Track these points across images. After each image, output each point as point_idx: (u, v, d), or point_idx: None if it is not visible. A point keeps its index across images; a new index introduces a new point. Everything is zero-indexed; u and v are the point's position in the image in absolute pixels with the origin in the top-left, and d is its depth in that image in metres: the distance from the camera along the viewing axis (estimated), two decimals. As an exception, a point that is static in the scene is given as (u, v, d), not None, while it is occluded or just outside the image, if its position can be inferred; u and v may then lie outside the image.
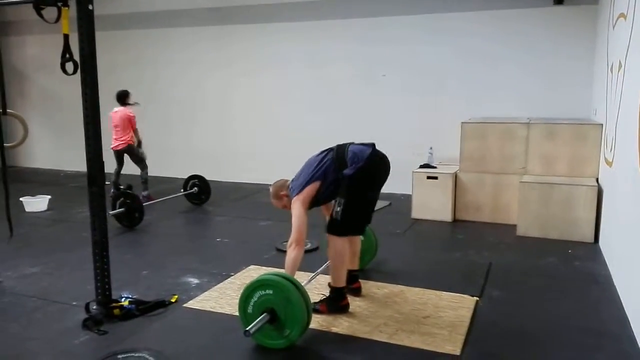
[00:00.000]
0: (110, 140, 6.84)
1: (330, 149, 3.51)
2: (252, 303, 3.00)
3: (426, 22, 7.26)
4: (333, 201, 3.42)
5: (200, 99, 8.89)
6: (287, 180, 3.66)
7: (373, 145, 3.46)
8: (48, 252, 4.89)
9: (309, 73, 8.06)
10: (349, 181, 3.31)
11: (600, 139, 5.44)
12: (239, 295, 3.07)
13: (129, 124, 6.89)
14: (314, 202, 3.44)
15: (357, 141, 3.55)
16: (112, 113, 6.87)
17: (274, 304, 2.95)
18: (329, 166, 3.40)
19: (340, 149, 3.45)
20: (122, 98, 6.98)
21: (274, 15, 8.12)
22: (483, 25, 6.98)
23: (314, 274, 3.79)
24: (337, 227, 3.35)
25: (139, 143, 7.06)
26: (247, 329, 2.84)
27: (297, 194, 3.38)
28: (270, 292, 2.96)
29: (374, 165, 3.39)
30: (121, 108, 6.93)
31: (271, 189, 3.68)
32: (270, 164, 8.11)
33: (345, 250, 3.40)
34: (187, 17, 8.69)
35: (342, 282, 3.44)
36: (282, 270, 3.20)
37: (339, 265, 3.40)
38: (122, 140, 6.89)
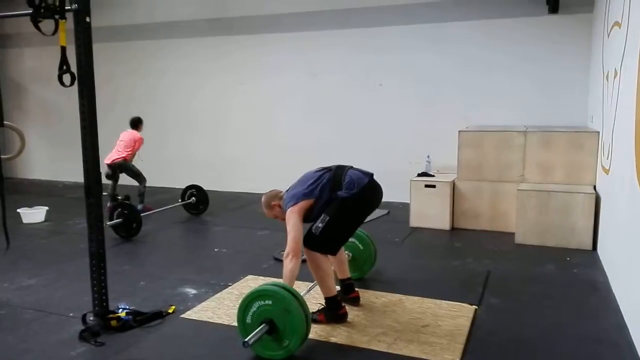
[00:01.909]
0: (108, 154, 6.85)
1: (329, 169, 3.51)
2: (250, 313, 2.99)
3: (423, 31, 7.31)
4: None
5: (198, 109, 8.91)
6: (279, 191, 3.67)
7: (371, 175, 3.49)
8: (45, 264, 4.87)
9: (307, 82, 8.09)
10: (341, 203, 3.33)
11: (597, 147, 5.46)
12: (238, 306, 3.05)
13: (134, 143, 6.98)
14: (304, 218, 3.44)
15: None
16: (123, 132, 7.06)
17: (273, 315, 2.94)
18: (324, 185, 3.40)
19: (339, 171, 3.46)
20: (136, 124, 7.16)
21: (271, 26, 8.17)
22: (479, 35, 7.03)
23: (312, 284, 3.78)
24: (312, 242, 3.34)
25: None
26: (246, 339, 2.83)
27: (292, 205, 3.38)
28: (269, 302, 2.95)
29: (368, 195, 3.43)
30: (133, 130, 7.11)
31: (263, 199, 3.69)
32: (268, 174, 8.12)
33: (321, 261, 3.38)
34: (185, 28, 8.73)
35: (332, 291, 3.43)
36: (280, 281, 3.20)
37: (322, 276, 3.40)
38: (118, 155, 6.89)
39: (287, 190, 3.59)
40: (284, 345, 2.94)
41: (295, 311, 2.90)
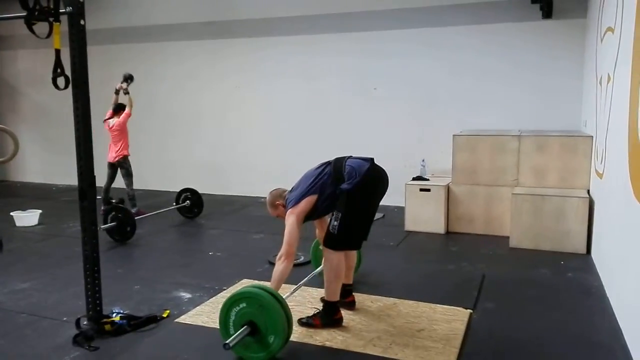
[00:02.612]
0: (106, 154, 6.86)
1: (328, 163, 3.49)
2: (231, 323, 3.00)
3: (418, 36, 7.33)
4: (328, 216, 3.41)
5: (193, 113, 8.89)
6: (284, 190, 3.66)
7: (372, 159, 3.45)
8: (39, 267, 4.84)
9: (302, 86, 8.09)
10: (347, 196, 3.29)
11: (590, 151, 5.49)
12: (218, 320, 3.06)
13: (124, 124, 6.88)
14: (309, 216, 3.43)
15: (353, 154, 3.54)
16: (112, 124, 6.91)
17: (252, 316, 2.93)
18: (326, 180, 3.38)
19: (338, 163, 3.43)
20: (120, 109, 7.01)
21: (268, 29, 8.17)
22: (474, 39, 7.06)
23: (296, 286, 3.76)
24: (333, 241, 3.33)
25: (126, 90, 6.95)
26: (227, 341, 2.82)
27: (293, 206, 3.37)
28: (244, 304, 2.95)
29: (371, 180, 3.36)
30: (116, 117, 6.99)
31: (268, 197, 3.68)
32: (263, 177, 8.12)
33: (341, 265, 3.37)
34: (182, 31, 8.72)
35: (336, 297, 3.42)
36: (262, 283, 3.19)
37: (334, 280, 3.38)
38: (118, 150, 6.89)
39: (290, 190, 3.59)
40: (270, 342, 2.92)
41: (269, 305, 2.89)
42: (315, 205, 3.38)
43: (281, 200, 3.59)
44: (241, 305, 2.95)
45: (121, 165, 6.93)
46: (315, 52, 7.94)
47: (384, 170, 3.50)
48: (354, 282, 4.22)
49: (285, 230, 3.28)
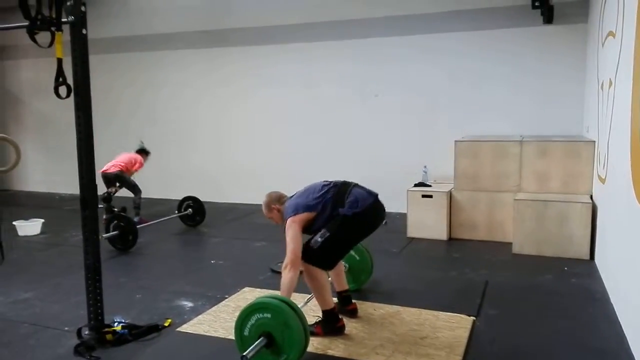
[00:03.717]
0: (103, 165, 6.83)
1: (335, 184, 3.50)
2: (249, 326, 2.95)
3: (418, 42, 7.35)
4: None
5: (194, 121, 8.91)
6: (282, 195, 3.66)
7: (376, 195, 3.49)
8: (41, 277, 4.84)
9: (303, 94, 8.11)
10: (342, 221, 3.32)
11: (593, 156, 5.47)
12: (236, 318, 3.02)
13: (135, 164, 7.01)
14: (303, 230, 3.42)
15: (353, 174, 3.61)
16: (126, 153, 7.12)
17: (272, 328, 2.91)
18: (327, 201, 3.39)
19: (343, 188, 3.45)
20: (142, 152, 7.25)
21: (267, 38, 8.20)
22: (475, 45, 7.07)
23: (309, 296, 3.76)
24: (308, 255, 3.31)
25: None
26: (244, 354, 2.79)
27: (293, 215, 3.37)
28: (268, 315, 2.92)
29: (371, 216, 3.43)
30: (136, 154, 7.19)
31: (266, 198, 3.67)
32: (264, 184, 8.01)
33: (317, 273, 3.35)
34: (183, 40, 8.75)
35: (328, 305, 3.41)
36: (278, 293, 3.18)
37: (319, 289, 3.38)
38: (115, 165, 6.86)
39: (290, 197, 3.59)
40: (282, 359, 2.91)
41: (294, 325, 2.87)
42: (313, 221, 3.40)
43: (278, 205, 3.60)
44: (265, 315, 2.92)
45: (119, 179, 6.88)
46: (314, 59, 7.96)
47: (384, 208, 3.55)
48: (361, 290, 4.23)
49: (288, 239, 3.28)
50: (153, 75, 9.07)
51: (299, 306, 3.07)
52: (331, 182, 3.54)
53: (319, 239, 3.30)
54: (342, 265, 3.88)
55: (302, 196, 3.48)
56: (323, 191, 3.45)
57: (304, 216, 3.37)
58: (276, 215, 3.60)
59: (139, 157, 7.13)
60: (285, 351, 2.89)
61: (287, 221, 3.38)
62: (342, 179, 3.60)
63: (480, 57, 7.06)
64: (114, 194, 6.94)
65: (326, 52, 7.88)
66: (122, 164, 6.91)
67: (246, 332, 2.96)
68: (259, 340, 2.88)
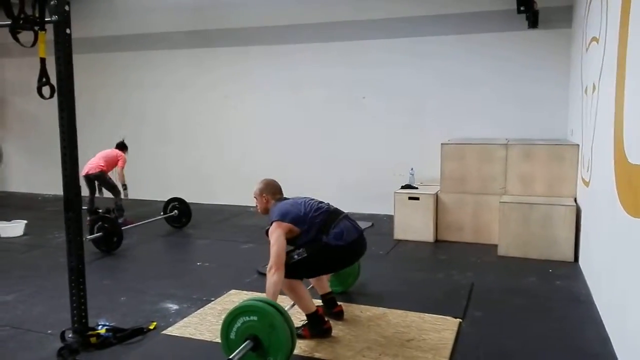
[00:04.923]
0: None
1: (327, 210, 3.50)
2: (235, 329, 2.93)
3: (405, 45, 7.37)
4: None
5: (181, 122, 8.85)
6: (279, 192, 3.67)
7: (361, 232, 3.53)
8: (23, 279, 4.76)
9: (290, 95, 8.09)
10: (323, 248, 3.34)
11: (577, 159, 5.53)
12: (222, 321, 3.00)
13: (117, 161, 6.93)
14: (287, 240, 3.41)
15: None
16: (106, 150, 7.01)
17: (258, 331, 2.89)
18: (315, 224, 3.40)
19: (332, 216, 3.46)
20: (122, 147, 7.16)
21: (254, 39, 8.17)
22: (461, 49, 7.11)
23: (292, 303, 3.73)
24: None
25: (124, 186, 6.98)
26: (230, 357, 2.77)
27: (280, 221, 3.36)
28: (255, 318, 2.90)
29: (352, 251, 3.50)
30: (118, 150, 7.07)
31: (261, 185, 3.69)
32: (251, 186, 8.03)
33: (294, 285, 3.37)
34: (167, 41, 8.68)
35: (309, 309, 3.42)
36: (264, 295, 3.16)
37: (298, 299, 3.41)
38: (94, 165, 6.78)
39: (285, 198, 3.61)
40: (267, 363, 2.89)
41: (281, 327, 2.86)
42: (297, 237, 3.41)
43: (270, 197, 3.61)
44: (251, 317, 2.90)
45: (99, 179, 6.82)
46: (303, 61, 7.95)
47: (365, 244, 3.59)
48: (347, 292, 4.23)
49: (272, 242, 3.27)
50: (137, 76, 8.99)
51: (286, 309, 3.06)
52: (324, 206, 3.55)
53: (296, 257, 3.32)
54: None
55: (295, 206, 3.47)
56: (315, 213, 3.44)
57: (289, 226, 3.37)
58: (262, 205, 3.63)
59: (120, 154, 7.02)
60: (272, 354, 2.88)
61: (273, 224, 3.37)
62: (334, 206, 3.62)
63: (466, 60, 7.11)
64: (97, 194, 6.89)
65: (313, 54, 7.87)
66: (103, 165, 6.83)
67: (232, 335, 2.94)
68: (245, 344, 2.86)
